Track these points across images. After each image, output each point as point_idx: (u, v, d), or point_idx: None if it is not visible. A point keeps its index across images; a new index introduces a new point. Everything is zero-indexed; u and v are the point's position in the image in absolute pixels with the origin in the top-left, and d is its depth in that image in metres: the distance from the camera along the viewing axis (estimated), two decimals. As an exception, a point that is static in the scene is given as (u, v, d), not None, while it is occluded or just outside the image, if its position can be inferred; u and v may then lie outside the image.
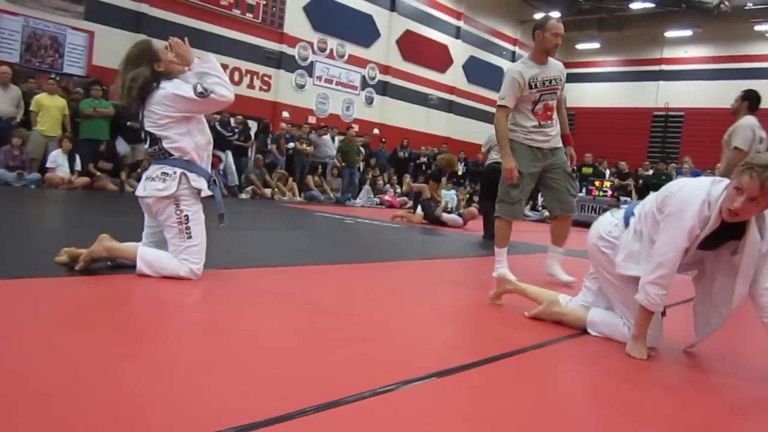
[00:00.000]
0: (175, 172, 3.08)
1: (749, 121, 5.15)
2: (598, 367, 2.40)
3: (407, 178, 13.04)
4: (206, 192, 3.16)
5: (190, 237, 3.09)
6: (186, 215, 3.09)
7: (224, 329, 2.32)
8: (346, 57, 17.01)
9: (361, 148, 14.30)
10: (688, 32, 22.20)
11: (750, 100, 5.32)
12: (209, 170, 3.24)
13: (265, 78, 15.01)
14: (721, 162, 5.45)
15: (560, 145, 4.19)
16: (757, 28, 19.50)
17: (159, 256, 3.09)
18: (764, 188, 2.14)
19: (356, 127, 15.76)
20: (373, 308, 3.02)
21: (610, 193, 13.77)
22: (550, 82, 4.06)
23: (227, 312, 2.60)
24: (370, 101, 17.84)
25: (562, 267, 4.31)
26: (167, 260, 3.07)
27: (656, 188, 11.82)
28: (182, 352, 2.00)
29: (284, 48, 15.32)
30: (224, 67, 3.47)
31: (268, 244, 5.27)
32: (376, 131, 16.83)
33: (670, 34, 22.72)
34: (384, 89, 18.18)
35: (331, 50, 16.59)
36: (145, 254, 3.07)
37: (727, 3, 17.38)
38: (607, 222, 2.75)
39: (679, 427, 1.85)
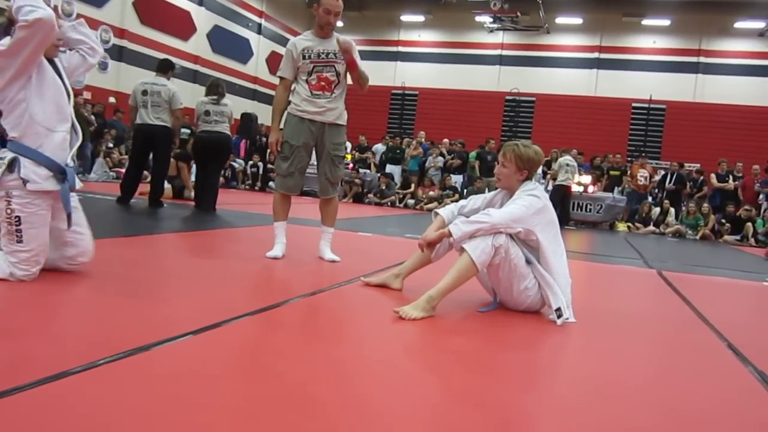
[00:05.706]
0: (3, 158, 2.52)
1: None
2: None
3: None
4: (37, 185, 2.55)
5: (20, 241, 2.52)
6: (18, 216, 2.52)
7: None
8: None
9: (92, 118, 13.11)
10: (420, 17, 24.08)
11: None
12: (66, 156, 2.71)
13: (-29, 34, 12.95)
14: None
15: (339, 122, 4.17)
16: (478, 18, 21.66)
17: None
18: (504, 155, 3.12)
19: (88, 95, 14.41)
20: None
21: (351, 165, 14.45)
22: (327, 55, 4.06)
23: None
24: (104, 67, 16.39)
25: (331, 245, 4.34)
26: None
27: (392, 162, 12.58)
28: None
29: (-5, 1, 13.38)
30: None
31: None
32: (112, 100, 15.58)
33: (405, 17, 24.42)
34: (120, 55, 16.81)
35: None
36: None
37: (452, -7, 18.98)
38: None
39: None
